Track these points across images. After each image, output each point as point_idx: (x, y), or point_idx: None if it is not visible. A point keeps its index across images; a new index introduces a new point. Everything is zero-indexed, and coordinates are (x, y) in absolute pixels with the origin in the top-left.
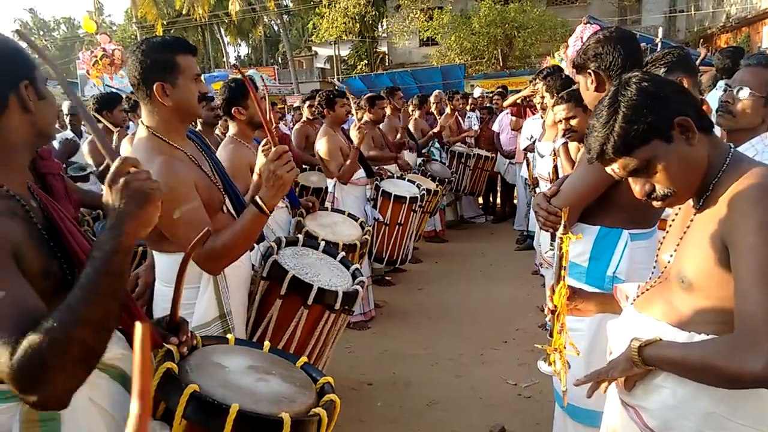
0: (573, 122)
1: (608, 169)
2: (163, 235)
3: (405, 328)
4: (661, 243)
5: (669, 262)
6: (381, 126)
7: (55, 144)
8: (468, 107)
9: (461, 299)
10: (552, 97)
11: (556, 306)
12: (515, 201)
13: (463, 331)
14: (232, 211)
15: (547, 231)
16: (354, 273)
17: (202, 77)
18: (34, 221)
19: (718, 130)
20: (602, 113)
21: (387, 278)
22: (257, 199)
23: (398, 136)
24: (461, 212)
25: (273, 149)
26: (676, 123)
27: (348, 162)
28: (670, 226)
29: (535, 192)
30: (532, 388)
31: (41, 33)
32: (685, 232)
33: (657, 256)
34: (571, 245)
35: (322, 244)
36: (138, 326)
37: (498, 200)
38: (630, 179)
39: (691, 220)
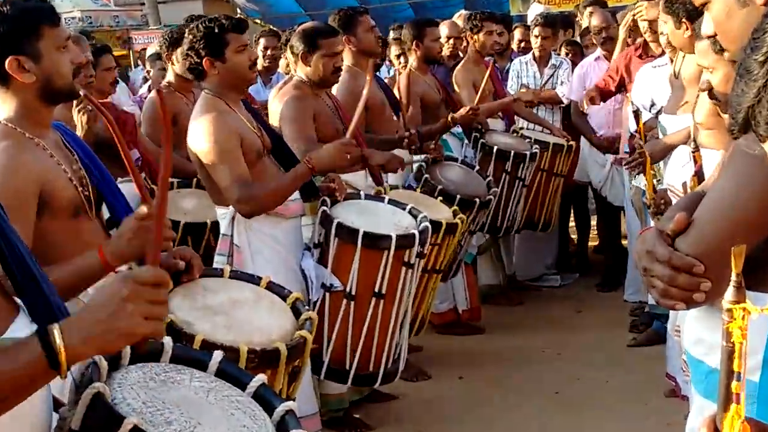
0: (715, 77)
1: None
2: None
3: None
4: None
5: None
6: (334, 90)
7: None
8: (519, 44)
9: None
10: (678, 26)
11: None
12: (624, 242)
13: None
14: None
15: (674, 308)
16: (282, 421)
17: None
18: None
19: None
20: (761, 45)
21: (355, 416)
22: (55, 334)
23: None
24: (511, 269)
25: (151, 270)
26: None
27: (272, 187)
28: None
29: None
30: None
31: None
32: None
33: None
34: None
35: (216, 358)
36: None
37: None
38: None
39: None
